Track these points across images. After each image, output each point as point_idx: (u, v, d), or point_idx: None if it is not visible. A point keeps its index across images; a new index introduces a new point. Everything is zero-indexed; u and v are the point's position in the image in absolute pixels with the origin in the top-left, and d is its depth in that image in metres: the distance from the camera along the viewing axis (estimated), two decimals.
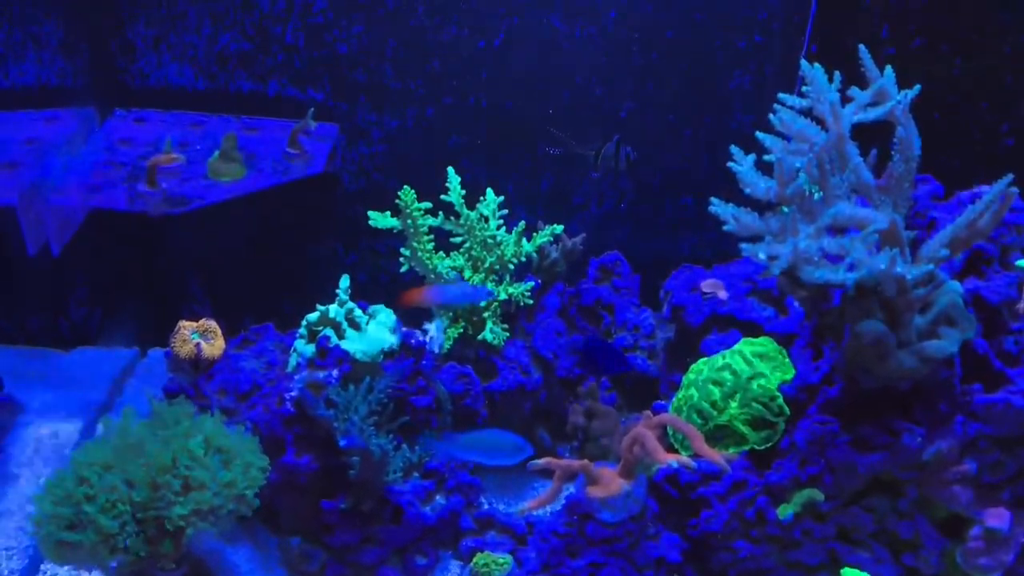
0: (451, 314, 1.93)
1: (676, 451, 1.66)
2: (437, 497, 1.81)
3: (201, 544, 1.68)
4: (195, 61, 2.16)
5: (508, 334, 1.93)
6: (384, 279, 2.29)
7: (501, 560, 1.67)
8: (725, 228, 1.37)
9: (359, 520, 1.71)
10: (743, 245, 1.33)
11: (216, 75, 2.18)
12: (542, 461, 1.56)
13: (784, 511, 1.58)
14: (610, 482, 1.58)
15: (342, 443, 1.58)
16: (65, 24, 2.02)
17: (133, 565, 1.55)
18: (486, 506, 1.89)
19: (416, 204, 1.84)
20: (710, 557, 1.67)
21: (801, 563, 1.62)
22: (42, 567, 1.79)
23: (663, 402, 1.80)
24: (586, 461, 1.59)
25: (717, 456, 1.51)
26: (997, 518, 1.48)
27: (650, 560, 1.63)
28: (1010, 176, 1.34)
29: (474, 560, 1.67)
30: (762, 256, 1.29)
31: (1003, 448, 1.46)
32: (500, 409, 1.93)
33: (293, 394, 1.70)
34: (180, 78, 2.17)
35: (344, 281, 1.83)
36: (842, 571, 1.55)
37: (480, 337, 1.90)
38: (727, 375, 1.66)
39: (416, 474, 1.79)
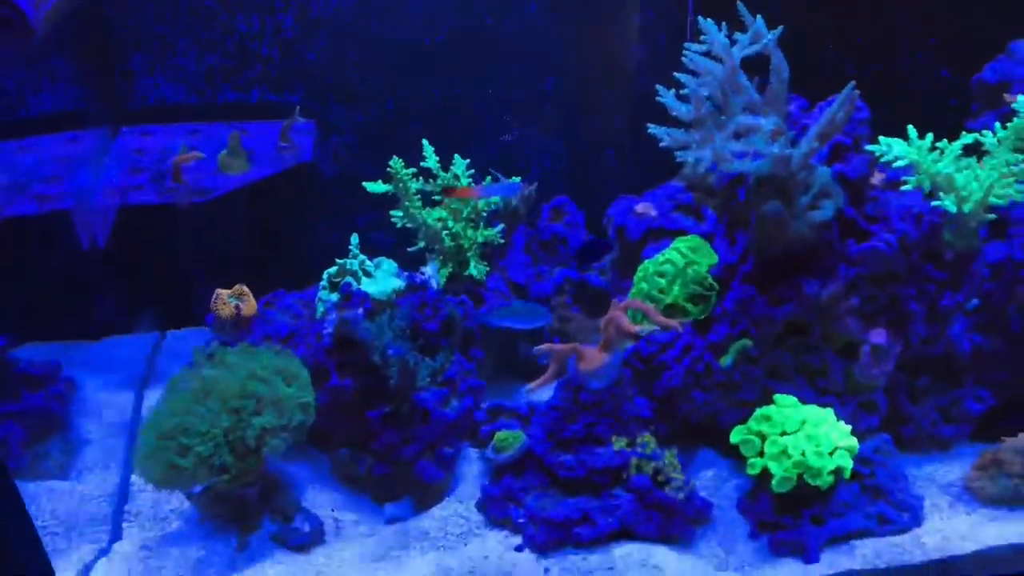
0: (441, 258, 2.36)
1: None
2: (453, 400, 2.22)
3: (269, 465, 2.04)
4: (187, 80, 2.52)
5: (488, 269, 2.37)
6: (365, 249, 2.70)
7: (516, 434, 2.10)
8: (661, 144, 1.85)
9: (397, 424, 2.10)
10: (677, 153, 1.81)
11: (205, 90, 2.55)
12: (544, 346, 2.00)
13: (724, 360, 2.07)
14: (595, 357, 2.03)
15: (390, 352, 1.98)
16: (76, 59, 2.36)
17: (224, 484, 1.88)
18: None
19: (404, 170, 2.26)
20: (673, 409, 2.14)
21: (744, 401, 2.10)
22: (125, 508, 2.10)
23: (621, 297, 2.27)
24: (576, 344, 2.04)
25: (672, 322, 1.98)
26: (878, 336, 2.00)
27: (630, 416, 2.09)
28: (852, 83, 1.87)
29: (495, 438, 2.10)
30: (691, 159, 1.77)
31: (875, 284, 2.00)
32: (488, 329, 2.36)
33: (330, 330, 2.09)
34: (175, 95, 2.53)
35: (354, 238, 2.24)
36: (774, 397, 2.04)
37: (466, 274, 2.34)
38: (668, 267, 2.14)
39: (434, 384, 2.20)
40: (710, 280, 2.09)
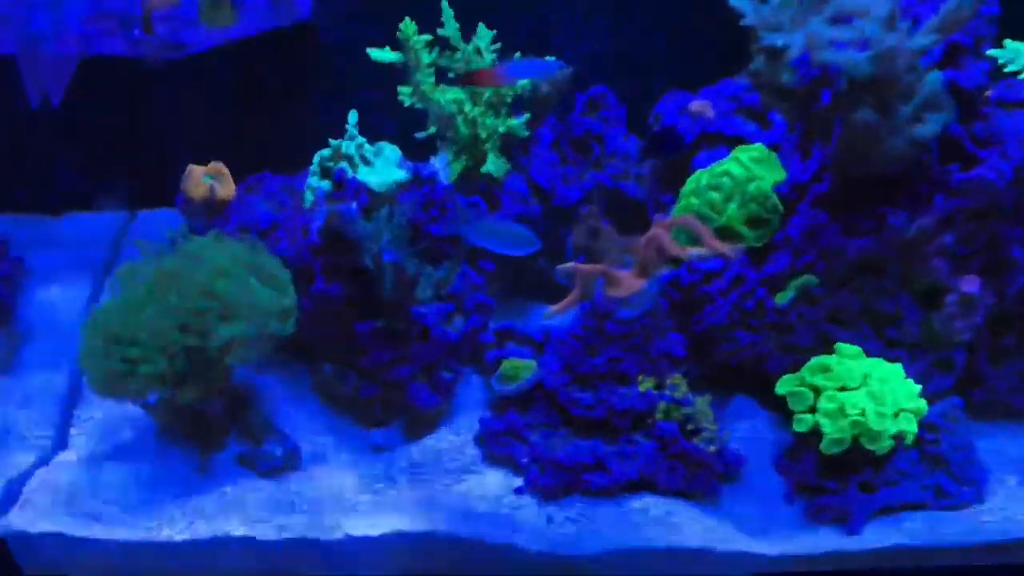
0: (454, 148, 2.00)
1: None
2: (456, 318, 1.91)
3: (238, 376, 1.75)
4: None
5: (508, 166, 2.02)
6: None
7: (527, 364, 1.80)
8: (743, 22, 1.47)
9: (391, 340, 1.80)
10: (763, 35, 1.44)
11: None
12: (568, 265, 1.67)
13: (782, 297, 1.75)
14: (627, 282, 1.72)
15: (385, 256, 1.67)
16: None
17: (181, 398, 1.62)
18: None
19: (417, 36, 1.88)
20: (711, 350, 1.83)
21: (795, 346, 1.79)
22: (75, 413, 1.84)
23: (662, 214, 1.93)
24: (605, 265, 1.71)
25: (724, 247, 1.65)
26: (970, 284, 1.67)
27: (660, 354, 1.78)
28: None
29: (502, 366, 1.80)
30: (780, 43, 1.40)
31: (976, 219, 1.65)
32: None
33: (318, 224, 1.77)
34: None
35: (352, 116, 1.88)
36: (836, 346, 1.73)
37: (483, 170, 1.99)
38: (726, 180, 1.79)
39: (436, 299, 1.89)
40: (774, 200, 1.75)
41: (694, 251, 1.64)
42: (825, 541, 1.61)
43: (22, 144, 2.17)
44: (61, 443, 1.73)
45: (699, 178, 1.84)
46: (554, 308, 1.69)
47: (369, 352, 1.76)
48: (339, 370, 1.79)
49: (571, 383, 1.72)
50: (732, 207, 1.77)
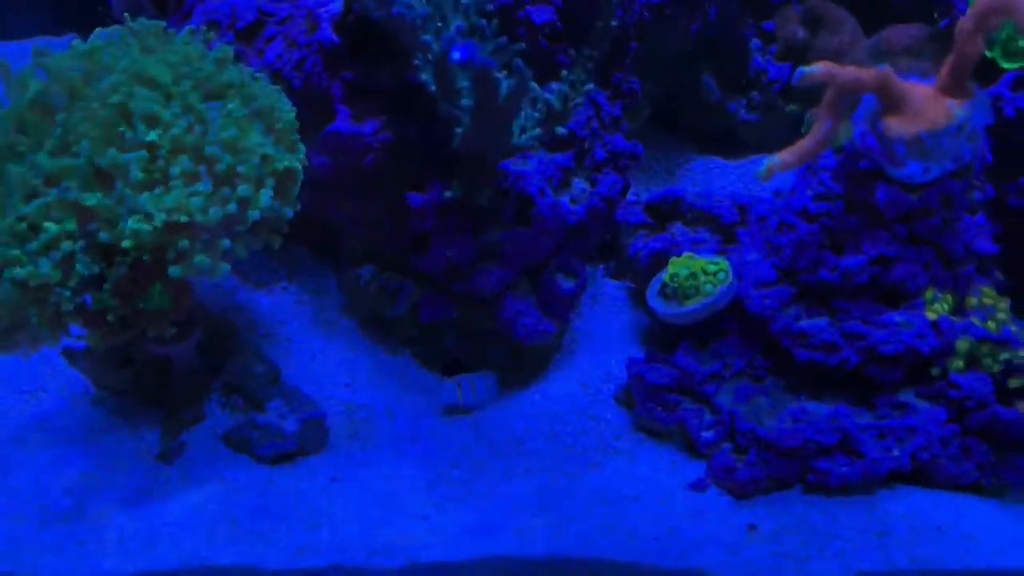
0: None
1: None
2: (576, 180, 1.16)
3: (211, 290, 1.03)
4: None
5: None
6: None
7: (712, 267, 1.00)
8: None
9: (468, 220, 1.05)
10: None
11: None
12: (819, 68, 0.86)
13: None
14: (927, 106, 0.90)
15: (455, 55, 0.87)
16: None
17: (100, 332, 0.99)
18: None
19: None
20: None
21: None
22: None
23: None
24: (887, 70, 0.89)
25: None
26: None
27: (967, 251, 1.02)
28: None
29: (667, 269, 1.01)
30: None
31: None
32: (653, 32, 1.26)
33: (333, 7, 0.98)
34: None
35: None
36: None
37: None
38: None
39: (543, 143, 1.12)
40: None
41: None
42: None
43: None
44: None
45: None
46: (780, 156, 0.97)
47: (432, 244, 1.12)
48: (384, 275, 1.16)
49: (793, 302, 1.09)
50: None
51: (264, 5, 1.13)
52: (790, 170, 1.00)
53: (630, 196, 1.28)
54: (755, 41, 1.36)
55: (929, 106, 0.95)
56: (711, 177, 1.39)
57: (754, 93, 1.36)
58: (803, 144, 0.96)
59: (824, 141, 0.95)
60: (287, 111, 0.98)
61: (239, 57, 1.13)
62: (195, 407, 1.11)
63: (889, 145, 0.97)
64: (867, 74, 0.93)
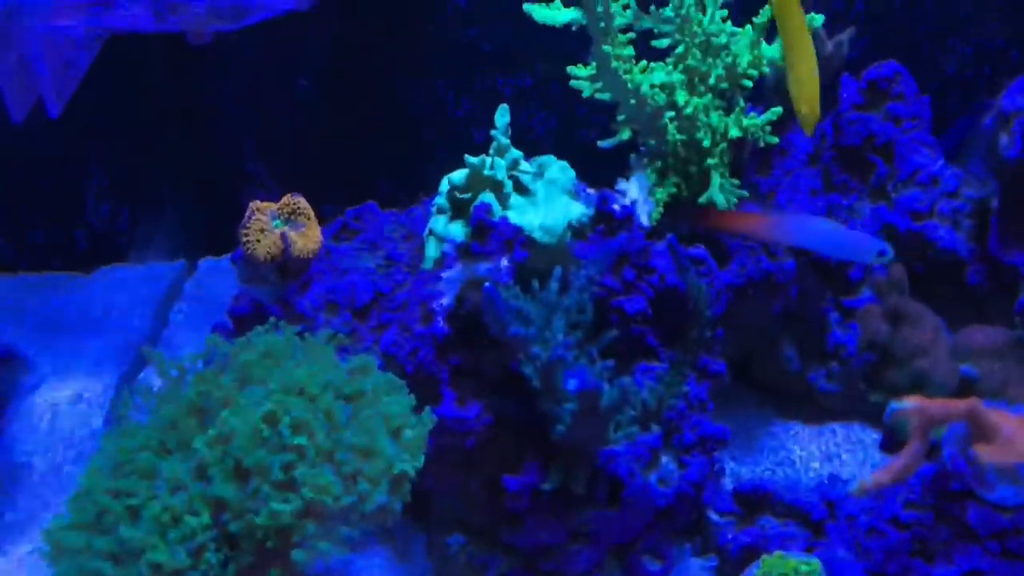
0: (657, 164, 1.25)
1: None
2: (665, 459, 1.16)
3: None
4: None
5: (743, 191, 1.25)
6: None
7: (804, 567, 1.01)
8: None
9: (562, 505, 1.05)
10: None
11: None
12: (910, 403, 0.90)
13: None
14: (1018, 437, 0.92)
15: (570, 385, 0.92)
16: None
17: None
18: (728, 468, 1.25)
19: None
20: None
21: None
22: None
23: None
24: (974, 400, 0.92)
25: None
26: None
27: None
28: None
29: (763, 568, 1.02)
30: None
31: None
32: (734, 311, 1.26)
33: (445, 302, 1.05)
34: None
35: (503, 114, 1.17)
36: None
37: (704, 199, 1.21)
38: None
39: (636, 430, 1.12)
40: None
41: None
42: None
43: (32, 166, 1.54)
44: None
45: None
46: (874, 477, 0.95)
47: (524, 522, 1.09)
48: (475, 549, 1.13)
49: None
50: None
51: (379, 284, 1.20)
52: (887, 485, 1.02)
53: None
54: (834, 314, 1.39)
55: (1020, 437, 0.98)
56: (789, 445, 1.38)
57: (833, 364, 1.34)
58: (895, 466, 0.96)
59: (915, 464, 0.98)
60: (415, 427, 0.99)
61: (353, 334, 1.20)
62: None
63: (980, 472, 0.99)
64: (956, 406, 0.95)
